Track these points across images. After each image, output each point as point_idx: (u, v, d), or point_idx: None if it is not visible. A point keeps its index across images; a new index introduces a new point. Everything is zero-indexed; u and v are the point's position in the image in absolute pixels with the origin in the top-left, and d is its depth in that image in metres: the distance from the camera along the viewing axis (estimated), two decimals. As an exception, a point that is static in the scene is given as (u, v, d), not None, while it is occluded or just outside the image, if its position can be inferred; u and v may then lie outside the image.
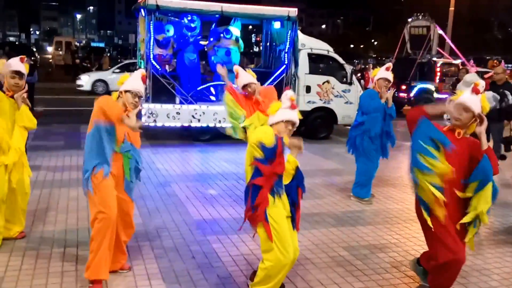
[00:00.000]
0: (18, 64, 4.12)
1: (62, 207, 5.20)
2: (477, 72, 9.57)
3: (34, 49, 35.67)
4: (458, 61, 15.77)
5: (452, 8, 20.42)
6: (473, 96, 3.20)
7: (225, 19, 9.69)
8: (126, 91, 3.56)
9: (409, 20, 16.41)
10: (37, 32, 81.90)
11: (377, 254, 4.32)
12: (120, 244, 3.69)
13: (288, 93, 3.45)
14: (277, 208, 3.23)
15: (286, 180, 3.36)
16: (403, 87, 15.16)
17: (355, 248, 4.45)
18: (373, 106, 5.58)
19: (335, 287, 3.67)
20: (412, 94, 14.99)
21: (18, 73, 4.08)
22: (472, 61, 13.45)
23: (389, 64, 5.82)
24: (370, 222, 5.20)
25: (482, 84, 3.44)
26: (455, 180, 3.19)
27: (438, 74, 15.14)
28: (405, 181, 7.01)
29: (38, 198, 5.46)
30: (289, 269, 3.29)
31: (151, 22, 8.73)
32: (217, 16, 9.61)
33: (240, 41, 10.00)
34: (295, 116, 3.34)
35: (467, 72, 8.53)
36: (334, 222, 5.13)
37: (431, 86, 15.07)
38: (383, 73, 5.65)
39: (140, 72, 3.68)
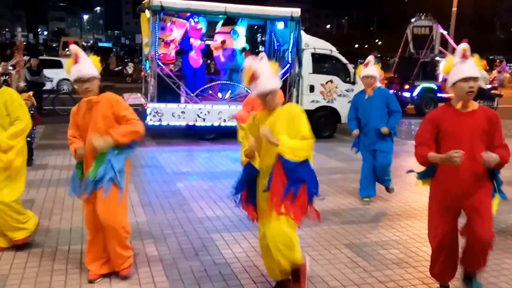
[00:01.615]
0: None
1: (68, 205, 5.26)
2: None
3: (42, 49, 35.89)
4: None
5: (455, 9, 20.43)
6: (470, 64, 3.12)
7: (231, 19, 9.77)
8: (74, 82, 3.34)
9: (412, 20, 16.44)
10: (45, 33, 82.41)
11: (379, 251, 4.36)
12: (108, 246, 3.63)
13: (245, 65, 3.14)
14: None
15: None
16: (406, 86, 15.19)
17: (357, 245, 4.49)
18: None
19: (337, 284, 3.71)
20: (415, 94, 15.04)
21: None
22: None
23: (369, 58, 5.58)
24: (372, 220, 5.24)
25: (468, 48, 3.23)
26: (476, 154, 3.12)
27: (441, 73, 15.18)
28: (406, 179, 7.04)
29: (44, 196, 5.54)
30: (266, 253, 3.31)
31: (156, 22, 8.81)
32: (220, 16, 9.69)
33: (246, 44, 10.08)
34: (261, 87, 3.07)
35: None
36: (336, 220, 5.18)
37: (433, 86, 15.09)
38: (363, 71, 5.53)
39: (73, 51, 3.29)
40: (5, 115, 3.90)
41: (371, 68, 5.49)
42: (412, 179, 7.02)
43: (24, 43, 19.06)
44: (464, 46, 3.15)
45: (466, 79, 3.09)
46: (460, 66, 3.13)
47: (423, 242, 4.61)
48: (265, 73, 3.11)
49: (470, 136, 3.16)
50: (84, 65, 3.34)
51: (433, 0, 30.65)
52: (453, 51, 17.60)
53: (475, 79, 3.10)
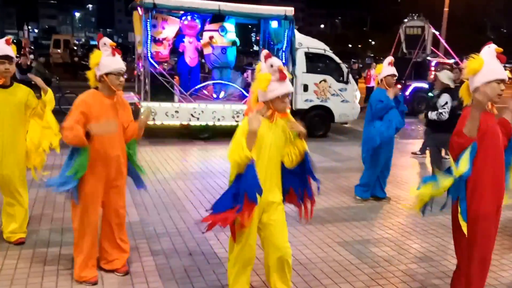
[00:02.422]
0: (4, 47, 3.75)
1: (59, 206, 5.21)
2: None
3: (33, 47, 35.59)
4: (451, 61, 15.98)
5: (446, 9, 20.62)
6: (500, 64, 2.99)
7: (219, 16, 9.75)
8: (107, 74, 3.33)
9: (405, 20, 16.59)
10: (36, 30, 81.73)
11: (371, 249, 4.40)
12: (113, 240, 3.66)
13: (273, 62, 2.92)
14: None
15: (290, 165, 3.15)
16: (398, 86, 15.30)
17: (349, 243, 4.52)
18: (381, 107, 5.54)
19: (329, 281, 3.73)
20: (407, 93, 15.18)
21: (6, 58, 3.75)
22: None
23: (391, 58, 5.67)
24: (365, 218, 5.28)
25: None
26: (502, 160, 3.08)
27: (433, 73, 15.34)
28: (398, 178, 7.11)
29: (35, 197, 5.47)
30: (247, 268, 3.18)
31: (148, 20, 8.78)
32: (209, 17, 9.68)
33: (236, 38, 10.05)
34: (290, 86, 2.98)
35: (461, 71, 8.50)
36: (329, 218, 5.21)
37: (425, 85, 15.24)
38: (389, 69, 5.58)
39: (109, 45, 3.33)
40: (25, 112, 4.05)
41: (393, 67, 5.60)
42: (405, 177, 7.12)
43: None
44: (495, 46, 3.01)
45: (500, 81, 2.98)
46: (496, 66, 2.98)
47: (414, 240, 4.67)
48: None
49: (501, 140, 3.08)
50: (120, 59, 3.40)
51: (425, 0, 30.95)
52: (444, 51, 17.66)
53: (505, 83, 3.02)
